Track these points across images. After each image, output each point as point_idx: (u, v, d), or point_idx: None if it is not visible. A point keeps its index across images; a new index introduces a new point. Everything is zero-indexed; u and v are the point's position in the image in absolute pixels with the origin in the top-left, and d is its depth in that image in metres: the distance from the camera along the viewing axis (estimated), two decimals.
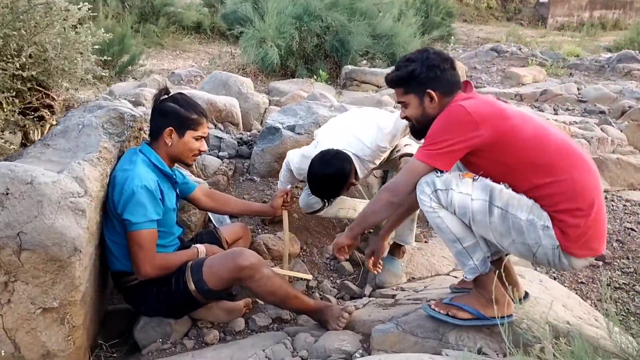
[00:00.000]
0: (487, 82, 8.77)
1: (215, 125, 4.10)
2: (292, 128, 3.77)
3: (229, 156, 3.89)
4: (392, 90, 2.65)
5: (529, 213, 2.07)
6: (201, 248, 2.62)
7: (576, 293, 3.31)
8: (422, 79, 2.19)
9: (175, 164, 2.68)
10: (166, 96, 2.56)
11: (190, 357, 2.42)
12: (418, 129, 2.32)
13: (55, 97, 3.29)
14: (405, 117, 2.34)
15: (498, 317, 2.02)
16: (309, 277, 3.00)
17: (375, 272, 2.81)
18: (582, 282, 3.39)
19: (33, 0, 2.72)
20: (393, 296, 2.92)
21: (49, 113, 3.25)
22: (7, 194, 2.07)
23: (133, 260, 2.40)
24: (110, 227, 2.45)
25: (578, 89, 7.76)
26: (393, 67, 2.31)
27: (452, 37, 12.19)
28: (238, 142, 4.01)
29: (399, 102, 2.32)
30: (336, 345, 2.37)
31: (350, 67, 7.87)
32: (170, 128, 2.49)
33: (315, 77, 7.85)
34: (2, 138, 2.72)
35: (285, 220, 2.99)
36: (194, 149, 2.57)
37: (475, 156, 2.13)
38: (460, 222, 2.14)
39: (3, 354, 2.17)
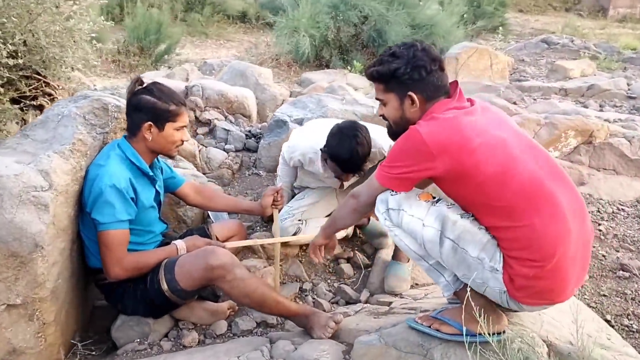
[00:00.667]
0: (532, 75, 8.34)
1: (226, 117, 3.99)
2: (299, 121, 3.62)
3: (235, 149, 3.77)
4: None
5: (481, 250, 1.89)
6: (180, 245, 2.50)
7: (595, 307, 3.04)
8: (405, 80, 1.97)
9: (159, 156, 2.57)
10: (140, 87, 2.43)
11: None
12: (395, 131, 2.12)
13: (56, 85, 3.24)
14: (382, 116, 2.14)
15: (488, 334, 1.86)
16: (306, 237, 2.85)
17: (316, 261, 2.60)
18: (604, 295, 3.11)
19: None
20: (389, 303, 2.74)
21: (48, 102, 3.21)
22: None
23: (102, 261, 2.32)
24: (86, 223, 2.37)
25: (628, 85, 7.27)
26: (376, 59, 2.09)
27: (501, 27, 11.68)
28: (246, 135, 3.88)
29: (377, 99, 2.13)
30: (315, 356, 2.21)
31: None
32: (149, 123, 2.37)
33: (349, 68, 7.64)
34: None
35: (276, 219, 2.84)
36: (175, 140, 2.46)
37: (436, 181, 1.97)
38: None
39: None
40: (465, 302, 2.03)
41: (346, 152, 2.67)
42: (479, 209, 1.90)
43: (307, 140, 3.00)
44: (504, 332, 2.05)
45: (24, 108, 2.92)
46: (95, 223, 2.26)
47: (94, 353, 2.53)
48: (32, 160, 2.18)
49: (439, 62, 1.99)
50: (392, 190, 1.99)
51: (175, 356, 2.34)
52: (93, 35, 3.14)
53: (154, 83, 2.47)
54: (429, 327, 2.10)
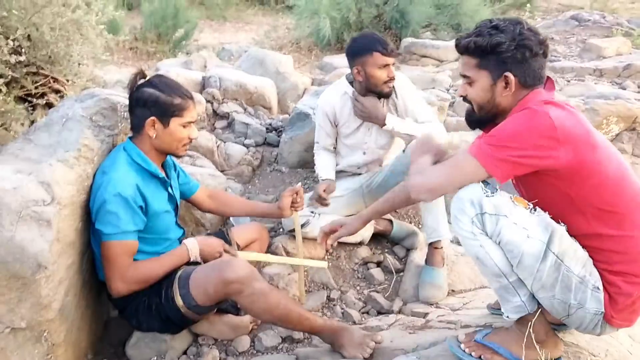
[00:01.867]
0: (564, 54, 7.94)
1: (245, 109, 3.76)
2: None
3: (255, 144, 3.54)
4: (453, 66, 2.13)
5: (583, 267, 1.65)
6: (191, 244, 2.28)
7: None
8: (506, 57, 1.70)
9: (168, 157, 2.37)
10: (142, 81, 2.23)
11: None
12: (477, 118, 1.85)
13: (64, 81, 3.05)
14: (464, 97, 1.86)
15: None
16: (324, 264, 2.62)
17: (326, 248, 2.53)
18: None
19: None
20: (425, 315, 2.53)
21: (57, 99, 3.02)
22: None
23: (105, 275, 2.14)
24: (95, 233, 2.18)
25: None
26: (473, 29, 1.81)
27: (529, 4, 11.26)
28: (267, 129, 3.65)
29: (462, 76, 1.83)
30: None
31: (410, 39, 7.29)
32: (153, 118, 2.17)
33: None
34: None
35: (297, 222, 2.63)
36: (182, 138, 2.24)
37: (536, 176, 1.68)
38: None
39: None
40: (521, 323, 1.81)
41: (371, 34, 2.77)
42: (586, 212, 1.66)
43: (328, 90, 3.03)
44: (559, 358, 1.83)
45: (29, 108, 2.73)
46: (99, 234, 2.09)
47: None
48: (33, 169, 1.99)
49: (545, 47, 1.72)
50: (486, 188, 1.68)
51: None
52: (102, 26, 2.93)
53: (158, 75, 2.28)
54: (479, 358, 1.85)
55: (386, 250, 3.01)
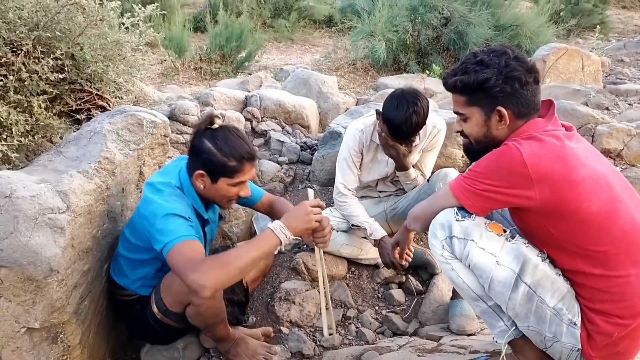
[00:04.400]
0: (631, 77, 7.63)
1: (283, 128, 3.84)
2: None
3: (289, 162, 3.60)
4: None
5: (559, 301, 1.61)
6: (274, 224, 1.95)
7: None
8: (495, 92, 1.68)
9: None
10: (208, 128, 2.10)
11: None
12: (476, 150, 1.83)
13: (109, 98, 3.22)
14: (460, 132, 1.85)
15: None
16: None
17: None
18: None
19: (61, 0, 2.61)
20: (439, 338, 2.48)
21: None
22: None
23: (184, 281, 1.87)
24: (123, 239, 2.27)
25: None
26: (458, 65, 1.79)
27: (599, 25, 10.85)
28: (301, 147, 3.71)
29: (456, 113, 1.83)
30: None
31: None
32: (202, 172, 2.08)
33: (427, 72, 7.31)
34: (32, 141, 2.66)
35: (319, 258, 2.21)
36: (230, 195, 2.13)
37: (519, 210, 1.66)
38: None
39: None
40: (516, 350, 1.77)
41: (401, 116, 2.53)
42: (569, 249, 1.61)
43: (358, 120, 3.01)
44: None
45: (67, 122, 2.91)
46: (160, 251, 1.96)
47: None
48: (55, 179, 2.12)
49: (535, 74, 1.70)
50: (459, 213, 1.69)
51: None
52: (141, 47, 3.09)
53: (224, 128, 2.11)
54: None
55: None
